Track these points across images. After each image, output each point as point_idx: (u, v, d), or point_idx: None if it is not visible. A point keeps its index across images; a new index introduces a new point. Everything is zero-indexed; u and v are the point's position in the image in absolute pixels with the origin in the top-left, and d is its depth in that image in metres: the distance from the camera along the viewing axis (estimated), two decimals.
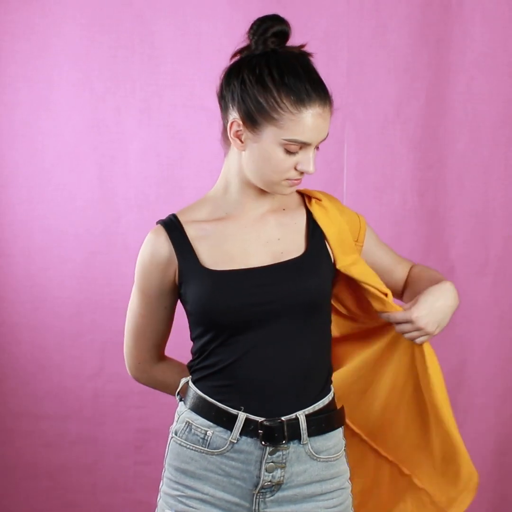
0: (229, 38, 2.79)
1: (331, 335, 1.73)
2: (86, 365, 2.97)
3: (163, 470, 1.72)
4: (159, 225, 1.70)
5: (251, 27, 1.62)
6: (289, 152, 1.58)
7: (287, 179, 1.61)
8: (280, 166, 1.59)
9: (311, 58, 1.63)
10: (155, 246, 1.68)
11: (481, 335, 2.88)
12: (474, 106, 2.79)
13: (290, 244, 1.67)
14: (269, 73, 1.56)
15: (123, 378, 2.95)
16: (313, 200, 1.74)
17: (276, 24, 1.61)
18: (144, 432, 2.98)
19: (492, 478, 2.93)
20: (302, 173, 1.61)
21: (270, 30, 1.60)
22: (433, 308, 1.65)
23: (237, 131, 1.61)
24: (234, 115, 1.61)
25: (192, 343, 1.73)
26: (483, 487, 2.92)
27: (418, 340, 1.66)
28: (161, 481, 1.72)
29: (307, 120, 1.56)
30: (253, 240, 1.66)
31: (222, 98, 1.63)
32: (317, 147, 1.61)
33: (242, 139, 1.61)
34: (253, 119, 1.58)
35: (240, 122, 1.60)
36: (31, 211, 2.94)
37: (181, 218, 1.69)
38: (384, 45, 2.78)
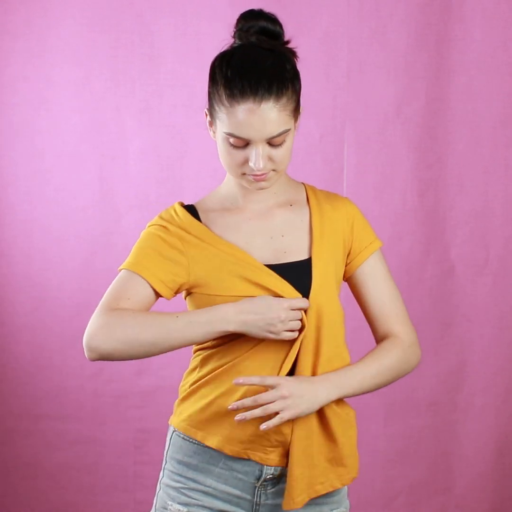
0: (229, 38, 2.79)
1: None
2: (86, 365, 2.97)
3: (164, 462, 1.73)
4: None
5: (237, 22, 1.63)
6: (234, 146, 1.57)
7: (245, 174, 1.60)
8: (230, 159, 1.59)
9: (293, 56, 1.61)
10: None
11: (481, 335, 2.88)
12: (474, 106, 2.79)
13: (294, 243, 1.67)
14: (220, 66, 1.58)
15: (123, 378, 2.96)
16: (313, 200, 1.73)
17: (257, 22, 1.60)
18: (144, 432, 2.98)
19: (492, 478, 2.93)
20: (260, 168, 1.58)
21: (251, 29, 1.60)
22: (301, 387, 1.57)
23: (209, 121, 1.64)
24: (206, 105, 1.65)
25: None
26: (483, 487, 2.93)
27: (269, 422, 1.54)
28: (161, 473, 1.74)
29: (239, 115, 1.54)
30: (257, 233, 1.67)
31: None
32: (272, 144, 1.56)
33: (213, 129, 1.64)
34: (210, 110, 1.61)
35: (207, 113, 1.64)
36: (31, 211, 2.94)
37: (198, 207, 1.70)
38: (384, 45, 2.78)
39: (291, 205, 1.71)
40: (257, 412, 1.54)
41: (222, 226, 1.67)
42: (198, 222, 1.66)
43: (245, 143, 1.56)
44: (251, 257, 1.63)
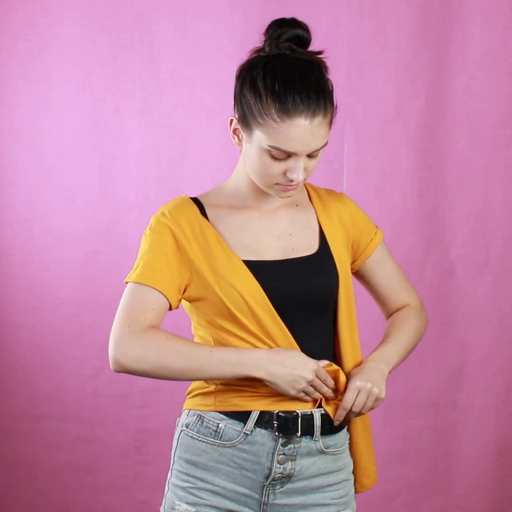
0: (229, 38, 2.80)
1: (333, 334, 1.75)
2: (86, 365, 2.97)
3: (172, 463, 1.73)
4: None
5: (267, 29, 1.61)
6: (275, 158, 1.57)
7: (278, 184, 1.61)
8: (267, 170, 1.59)
9: (325, 66, 1.62)
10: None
11: (481, 335, 2.88)
12: (474, 106, 2.78)
13: (302, 241, 1.69)
14: (263, 78, 1.56)
15: (123, 378, 2.95)
16: (316, 199, 1.76)
17: (291, 30, 1.60)
18: (144, 432, 2.98)
19: (492, 478, 2.93)
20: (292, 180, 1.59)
21: (283, 35, 1.59)
22: (370, 374, 1.67)
23: (235, 129, 1.63)
24: (233, 113, 1.63)
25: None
26: (483, 487, 2.93)
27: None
28: (169, 473, 1.74)
29: (290, 131, 1.54)
30: (266, 233, 1.68)
31: (233, 94, 1.65)
32: (311, 155, 1.59)
33: (240, 138, 1.63)
34: (245, 120, 1.59)
35: (237, 121, 1.62)
36: (31, 211, 2.94)
37: (203, 201, 1.70)
38: (384, 45, 2.78)
39: (297, 205, 1.73)
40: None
41: (230, 224, 1.67)
42: (203, 217, 1.66)
43: (287, 155, 1.57)
44: (234, 254, 1.63)
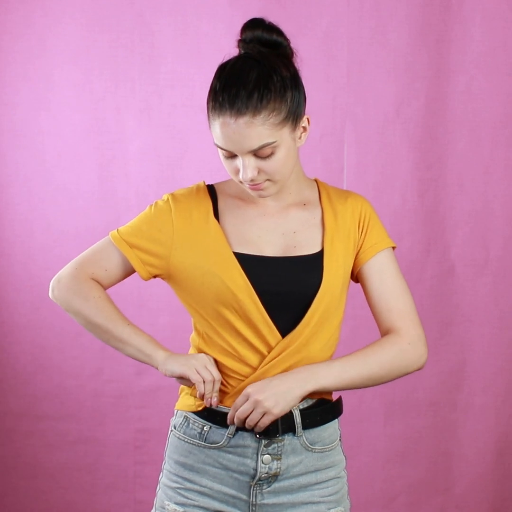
0: (229, 38, 2.78)
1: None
2: (86, 365, 2.97)
3: (163, 462, 1.75)
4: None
5: (240, 33, 1.65)
6: (225, 156, 1.59)
7: (241, 182, 1.61)
8: (226, 167, 1.62)
9: (285, 65, 1.60)
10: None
11: (481, 335, 2.88)
12: (474, 106, 2.79)
13: (305, 239, 1.68)
14: (214, 77, 1.60)
15: (123, 378, 2.96)
16: (325, 199, 1.74)
17: (253, 31, 1.62)
18: (144, 432, 2.99)
19: (492, 478, 2.93)
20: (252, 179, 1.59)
21: (250, 37, 1.62)
22: (270, 385, 1.60)
23: None
24: None
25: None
26: (483, 487, 2.93)
27: (258, 424, 1.62)
28: (161, 472, 1.75)
29: (219, 129, 1.56)
30: (270, 229, 1.68)
31: None
32: (259, 156, 1.56)
33: None
34: None
35: None
36: (32, 211, 2.94)
37: (218, 189, 1.73)
38: (384, 45, 2.78)
39: (304, 205, 1.72)
40: (246, 426, 1.62)
41: (237, 216, 1.69)
42: (211, 209, 1.68)
43: (232, 154, 1.58)
44: (228, 247, 1.64)
